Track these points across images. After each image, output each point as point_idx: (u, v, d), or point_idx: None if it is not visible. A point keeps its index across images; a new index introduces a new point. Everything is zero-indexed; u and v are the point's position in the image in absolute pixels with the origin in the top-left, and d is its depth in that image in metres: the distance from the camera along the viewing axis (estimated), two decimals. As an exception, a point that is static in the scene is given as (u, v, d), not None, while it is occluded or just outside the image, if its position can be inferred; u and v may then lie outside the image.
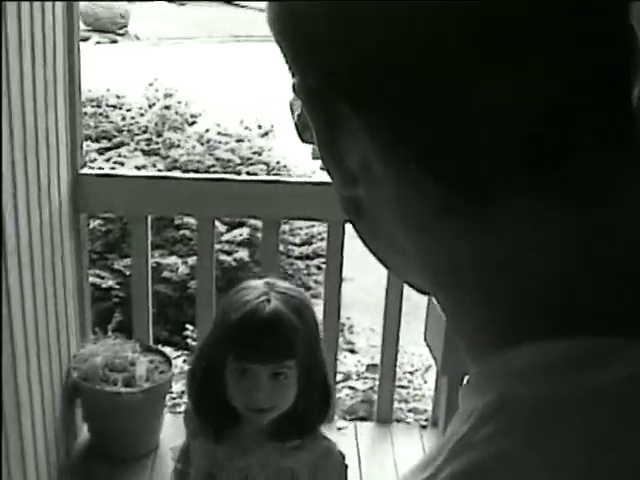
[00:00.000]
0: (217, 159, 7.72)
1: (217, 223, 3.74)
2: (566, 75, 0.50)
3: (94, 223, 6.73)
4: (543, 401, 0.52)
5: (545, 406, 0.52)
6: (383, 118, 0.56)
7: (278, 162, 8.09)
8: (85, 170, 3.64)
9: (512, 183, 0.53)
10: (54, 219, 3.25)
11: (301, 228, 7.60)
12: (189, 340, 5.78)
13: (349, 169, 0.60)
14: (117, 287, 6.72)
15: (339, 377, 4.65)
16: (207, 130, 8.27)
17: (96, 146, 7.75)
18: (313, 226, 7.62)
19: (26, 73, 2.86)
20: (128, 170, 7.01)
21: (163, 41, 22.29)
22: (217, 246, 4.00)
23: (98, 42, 20.78)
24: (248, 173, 7.53)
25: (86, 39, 18.63)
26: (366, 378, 4.80)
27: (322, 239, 7.40)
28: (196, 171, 7.31)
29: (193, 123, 8.59)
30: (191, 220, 6.56)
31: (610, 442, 0.50)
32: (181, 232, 6.99)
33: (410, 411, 4.45)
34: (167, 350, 4.17)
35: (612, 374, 0.51)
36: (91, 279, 4.23)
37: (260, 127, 8.72)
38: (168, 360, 3.76)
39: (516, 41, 0.50)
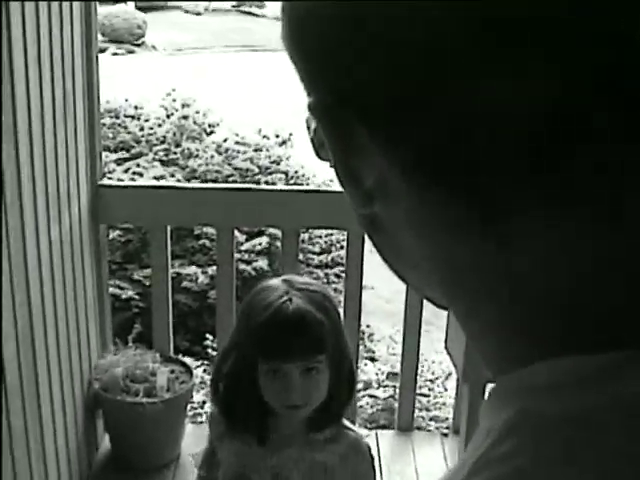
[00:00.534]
0: (235, 168, 7.74)
1: (236, 233, 3.73)
2: (566, 75, 0.50)
3: (113, 234, 6.75)
4: (561, 417, 0.52)
5: (563, 422, 0.52)
6: (398, 135, 0.56)
7: (296, 171, 8.11)
8: (104, 181, 3.65)
9: (518, 191, 0.53)
10: (74, 230, 3.25)
11: (320, 236, 7.61)
12: (209, 350, 5.78)
13: (364, 186, 0.60)
14: (137, 297, 6.73)
15: (360, 385, 4.64)
16: (225, 140, 8.29)
17: (114, 157, 7.78)
18: (332, 234, 7.62)
19: (45, 84, 2.87)
20: (147, 180, 7.03)
21: (180, 51, 22.36)
22: (236, 255, 3.99)
23: (115, 53, 20.88)
24: (267, 182, 7.55)
25: (103, 50, 18.72)
26: (386, 386, 4.79)
27: (341, 247, 7.41)
28: (215, 181, 7.33)
29: (211, 133, 8.61)
30: (210, 230, 6.58)
31: (634, 455, 0.49)
32: (201, 242, 7.01)
33: (431, 419, 4.44)
34: (187, 360, 4.17)
35: (630, 388, 0.51)
36: (111, 290, 4.23)
37: (278, 136, 8.73)
38: (189, 370, 3.75)
39: (516, 41, 0.50)
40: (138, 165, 7.71)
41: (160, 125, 8.37)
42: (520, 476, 0.51)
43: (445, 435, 4.03)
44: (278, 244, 6.74)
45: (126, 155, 7.94)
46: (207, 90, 12.62)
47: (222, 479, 2.34)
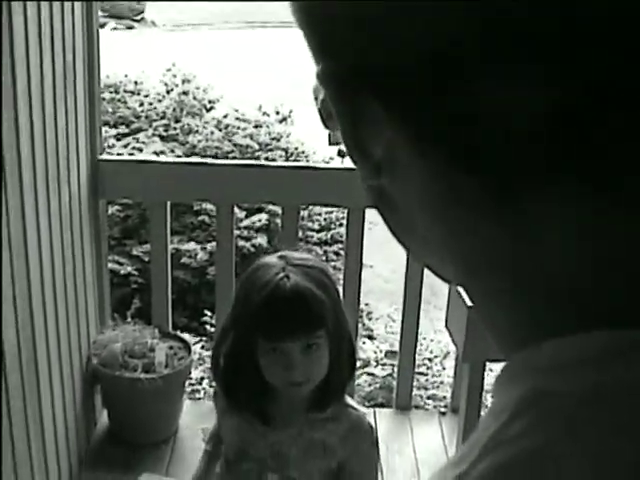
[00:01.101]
0: (235, 145, 7.72)
1: (235, 209, 3.73)
2: (567, 76, 0.50)
3: (112, 209, 6.74)
4: (577, 395, 0.52)
5: (569, 401, 0.52)
6: (413, 109, 0.55)
7: (296, 148, 8.10)
8: (104, 156, 3.64)
9: (534, 175, 0.53)
10: (73, 205, 3.25)
11: (320, 214, 7.60)
12: (208, 326, 5.78)
13: (372, 157, 0.59)
14: (136, 273, 6.73)
15: (358, 363, 4.64)
16: (225, 116, 8.27)
17: (114, 132, 7.76)
18: (331, 212, 7.62)
19: (45, 59, 2.86)
20: (146, 156, 7.01)
21: (179, 27, 22.30)
22: (236, 232, 3.99)
23: (115, 28, 20.82)
24: (266, 159, 7.53)
25: (103, 25, 18.66)
26: (385, 364, 4.79)
27: (340, 225, 7.41)
28: (214, 157, 7.31)
29: (211, 109, 8.59)
30: (210, 206, 6.57)
31: (636, 433, 0.50)
32: (200, 218, 7.00)
33: (429, 398, 4.44)
34: (186, 336, 4.16)
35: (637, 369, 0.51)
36: (110, 265, 4.23)
37: (278, 113, 8.72)
38: (187, 346, 3.76)
39: (517, 41, 0.50)
40: (137, 140, 7.69)
41: (160, 101, 8.35)
42: (529, 457, 0.51)
43: (443, 414, 4.04)
44: (277, 221, 6.73)
45: (126, 130, 7.92)
46: (207, 66, 12.59)
47: (224, 454, 2.35)
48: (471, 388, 3.25)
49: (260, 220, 7.04)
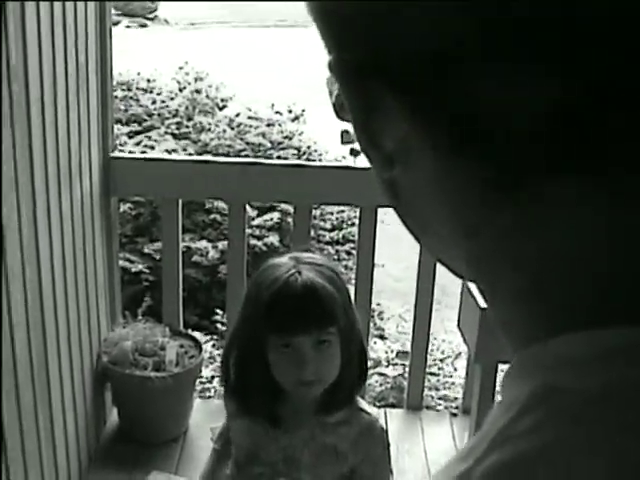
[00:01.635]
0: (247, 143, 7.71)
1: (247, 208, 3.72)
2: (568, 76, 0.50)
3: (124, 207, 6.73)
4: (585, 393, 0.52)
5: (588, 398, 0.52)
6: (429, 103, 0.55)
7: (309, 147, 8.08)
8: (116, 153, 3.64)
9: (533, 181, 0.53)
10: (85, 202, 3.24)
11: (332, 213, 7.59)
12: (219, 325, 5.78)
13: (384, 149, 0.59)
14: (147, 271, 6.72)
15: (369, 363, 4.64)
16: (238, 114, 8.26)
17: (126, 130, 7.76)
18: (343, 211, 7.61)
19: (58, 57, 2.85)
20: (159, 154, 7.01)
21: (192, 26, 22.32)
22: (247, 231, 3.98)
23: (128, 26, 20.85)
24: (279, 157, 7.52)
25: (116, 23, 18.70)
26: (396, 364, 4.78)
27: (352, 224, 7.39)
28: (226, 155, 7.30)
29: (224, 107, 8.58)
30: (221, 204, 6.56)
31: None
32: (212, 216, 6.99)
33: (440, 399, 4.43)
34: (197, 335, 4.16)
35: None
36: (121, 263, 4.22)
37: (290, 111, 8.71)
38: (198, 345, 3.75)
39: (517, 41, 0.50)
40: (150, 138, 7.68)
41: (172, 99, 8.34)
42: (539, 453, 0.51)
43: (454, 415, 4.03)
44: (289, 220, 6.72)
45: (138, 128, 7.91)
46: (220, 64, 12.60)
47: (234, 456, 2.34)
48: (483, 389, 3.24)
49: (272, 219, 7.03)
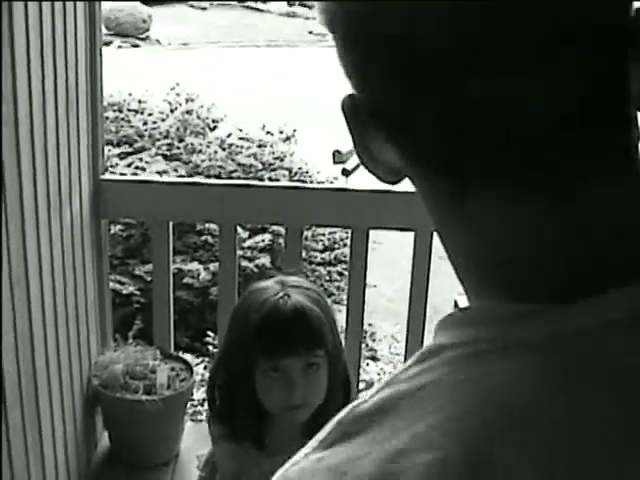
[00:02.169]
0: (239, 164, 7.70)
1: (239, 229, 3.71)
2: (566, 78, 0.53)
3: (115, 228, 6.72)
4: (460, 349, 0.64)
5: (460, 354, 0.64)
6: (396, 128, 0.67)
7: (300, 168, 8.08)
8: (106, 175, 3.62)
9: (534, 180, 0.61)
10: (75, 224, 3.23)
11: (323, 234, 7.59)
12: (210, 347, 5.78)
13: (387, 163, 0.69)
14: (138, 293, 6.70)
15: (361, 385, 4.61)
16: (229, 135, 8.25)
17: (117, 151, 7.74)
18: (335, 232, 7.60)
19: (48, 77, 2.84)
20: (149, 175, 7.00)
21: (185, 46, 22.37)
22: (239, 252, 3.97)
23: (119, 46, 20.88)
24: (270, 179, 7.52)
25: (108, 43, 18.73)
26: (389, 386, 4.76)
27: (344, 245, 7.40)
28: (218, 176, 7.30)
29: (215, 128, 8.57)
30: (213, 226, 6.55)
31: (477, 381, 0.62)
32: (203, 238, 6.97)
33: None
34: (188, 357, 4.14)
35: (516, 332, 0.63)
36: (112, 285, 4.20)
37: (282, 132, 8.71)
38: (189, 367, 3.73)
39: (519, 42, 0.54)
40: (141, 160, 7.67)
41: (164, 120, 8.33)
42: (411, 393, 0.63)
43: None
44: (281, 241, 6.72)
45: (129, 149, 7.89)
46: (211, 85, 12.60)
47: None
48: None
49: (263, 240, 7.02)
